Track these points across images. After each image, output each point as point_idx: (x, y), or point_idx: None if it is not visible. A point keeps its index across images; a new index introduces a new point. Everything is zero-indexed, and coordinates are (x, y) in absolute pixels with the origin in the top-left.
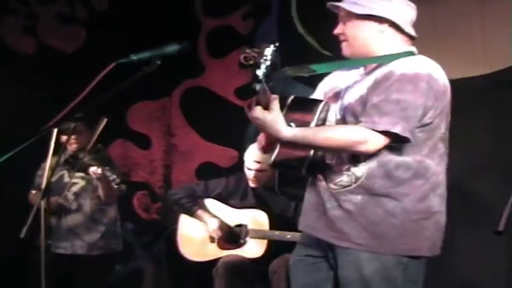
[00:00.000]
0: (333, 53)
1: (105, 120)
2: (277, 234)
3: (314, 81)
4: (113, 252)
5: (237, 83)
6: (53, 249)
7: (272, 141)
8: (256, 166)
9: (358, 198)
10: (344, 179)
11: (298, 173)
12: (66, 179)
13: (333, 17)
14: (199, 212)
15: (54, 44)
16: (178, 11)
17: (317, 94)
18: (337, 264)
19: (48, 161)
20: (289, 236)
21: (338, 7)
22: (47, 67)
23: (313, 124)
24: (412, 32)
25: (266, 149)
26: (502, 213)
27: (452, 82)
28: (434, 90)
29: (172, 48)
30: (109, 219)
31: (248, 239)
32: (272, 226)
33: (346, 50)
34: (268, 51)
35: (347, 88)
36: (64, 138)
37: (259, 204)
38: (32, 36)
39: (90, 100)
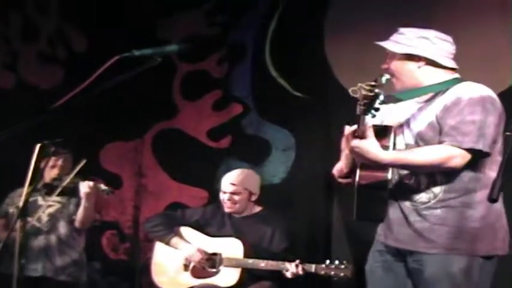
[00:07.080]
0: (303, 93)
1: (84, 162)
2: (251, 262)
3: (287, 123)
4: (78, 282)
5: (209, 124)
6: (24, 271)
7: (353, 168)
8: (232, 188)
9: (438, 211)
10: (423, 196)
11: (381, 193)
12: (40, 202)
13: (302, 62)
14: (175, 239)
15: (32, 81)
16: None
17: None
18: (423, 267)
19: (28, 178)
20: (263, 264)
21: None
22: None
23: (391, 148)
24: (449, 64)
25: (346, 175)
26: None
27: None
28: (497, 110)
29: (172, 48)
30: (80, 249)
31: (222, 267)
32: (247, 254)
33: (396, 84)
34: (383, 80)
35: (412, 117)
36: (44, 163)
37: (236, 232)
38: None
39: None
